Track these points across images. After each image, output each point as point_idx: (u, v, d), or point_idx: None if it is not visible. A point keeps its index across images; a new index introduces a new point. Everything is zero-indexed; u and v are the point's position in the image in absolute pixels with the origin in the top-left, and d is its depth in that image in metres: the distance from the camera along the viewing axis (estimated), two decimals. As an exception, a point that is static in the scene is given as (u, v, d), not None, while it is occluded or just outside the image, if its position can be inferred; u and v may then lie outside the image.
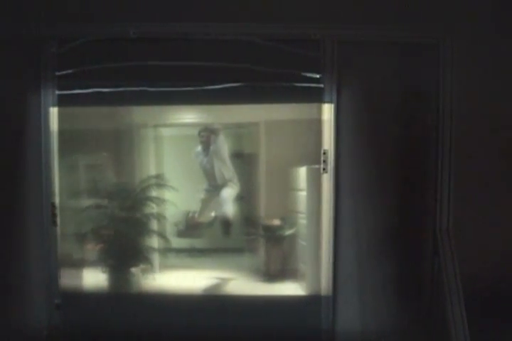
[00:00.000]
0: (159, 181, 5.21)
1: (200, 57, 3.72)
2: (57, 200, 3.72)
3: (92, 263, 4.88)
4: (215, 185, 5.72)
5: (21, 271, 3.55)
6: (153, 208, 5.15)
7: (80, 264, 4.73)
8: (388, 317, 3.68)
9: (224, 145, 5.66)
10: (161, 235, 5.30)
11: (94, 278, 4.78)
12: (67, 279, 4.06)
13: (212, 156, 5.63)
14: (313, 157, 4.01)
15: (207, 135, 5.62)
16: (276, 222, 5.74)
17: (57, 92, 3.71)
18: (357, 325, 3.70)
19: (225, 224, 5.71)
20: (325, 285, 3.86)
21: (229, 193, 5.69)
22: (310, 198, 4.84)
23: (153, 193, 5.16)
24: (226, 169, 5.68)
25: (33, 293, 3.60)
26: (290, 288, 5.14)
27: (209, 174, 5.72)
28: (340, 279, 3.76)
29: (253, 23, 3.63)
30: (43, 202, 3.65)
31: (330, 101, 3.75)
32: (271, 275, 5.51)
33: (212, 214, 5.94)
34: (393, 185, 3.73)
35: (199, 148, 5.74)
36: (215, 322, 3.82)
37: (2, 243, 3.50)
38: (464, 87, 3.62)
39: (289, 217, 5.69)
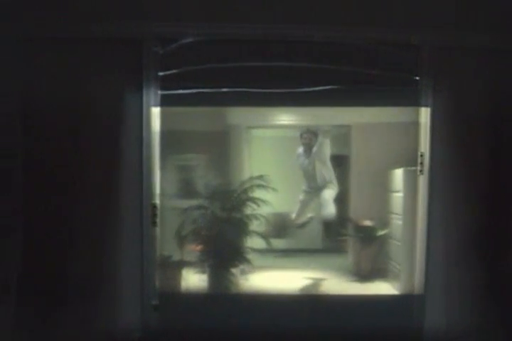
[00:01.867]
0: (260, 182, 5.25)
1: (301, 58, 3.70)
2: (157, 201, 3.70)
3: (191, 264, 4.93)
4: (315, 186, 5.72)
5: (119, 271, 3.57)
6: (253, 209, 5.19)
7: (178, 265, 4.77)
8: (476, 317, 3.61)
9: (327, 147, 5.67)
10: (261, 236, 5.32)
11: (192, 279, 4.84)
12: (165, 280, 4.08)
13: (314, 158, 5.65)
14: (410, 159, 4.00)
15: (309, 137, 5.67)
16: (371, 223, 5.77)
17: (159, 92, 3.70)
18: (445, 324, 3.66)
19: (328, 225, 5.81)
20: (417, 284, 3.85)
21: (330, 194, 5.69)
22: (406, 199, 4.89)
23: (254, 194, 5.22)
24: (327, 170, 5.68)
25: (130, 294, 3.61)
26: (382, 288, 5.21)
27: (309, 175, 5.74)
28: (431, 278, 3.73)
29: (353, 26, 3.61)
30: (143, 203, 3.65)
31: (426, 105, 3.76)
32: (363, 275, 5.53)
33: (309, 215, 5.96)
34: (485, 186, 3.66)
35: (300, 149, 5.78)
36: (309, 322, 3.80)
37: (100, 243, 3.53)
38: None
39: (382, 218, 5.70)
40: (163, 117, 3.79)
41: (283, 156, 6.09)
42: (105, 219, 3.53)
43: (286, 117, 6.05)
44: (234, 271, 5.02)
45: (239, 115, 5.76)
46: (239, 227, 5.13)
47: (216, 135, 5.67)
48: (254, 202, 5.17)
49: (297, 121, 5.94)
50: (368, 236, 5.72)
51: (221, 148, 5.72)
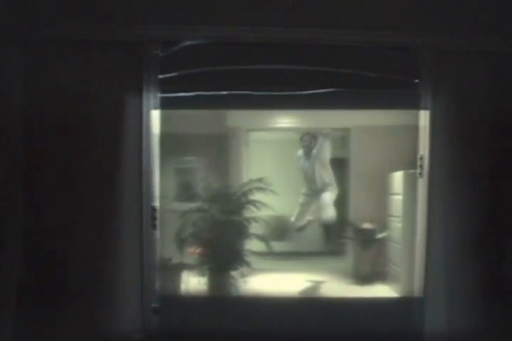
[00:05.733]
0: (260, 185, 5.23)
1: (301, 61, 3.68)
2: (157, 204, 3.70)
3: (191, 267, 4.93)
4: (315, 189, 5.76)
5: (119, 273, 3.57)
6: (253, 212, 5.18)
7: (178, 268, 4.79)
8: (476, 319, 3.58)
9: (327, 150, 5.70)
10: (261, 238, 5.30)
11: (192, 282, 4.85)
12: (165, 283, 4.08)
13: (313, 160, 5.67)
14: (410, 162, 4.03)
15: (309, 139, 5.72)
16: (370, 225, 5.83)
17: (159, 95, 3.70)
18: (446, 326, 3.64)
19: (328, 228, 5.82)
20: (417, 286, 3.84)
21: (330, 197, 5.73)
22: (406, 202, 4.93)
23: (254, 197, 5.21)
24: (326, 173, 5.72)
25: (130, 297, 3.61)
26: (382, 290, 5.23)
27: (309, 178, 5.78)
28: (431, 281, 3.72)
29: (355, 29, 3.59)
30: (143, 206, 3.64)
31: (426, 108, 3.75)
32: (362, 278, 5.58)
33: (309, 218, 6.00)
34: (485, 190, 3.63)
35: (300, 152, 5.82)
36: (308, 325, 3.77)
37: (100, 245, 3.52)
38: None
39: (382, 221, 5.74)
40: (164, 120, 3.78)
41: (283, 159, 6.17)
42: (105, 221, 3.52)
43: (286, 120, 6.08)
44: (234, 273, 5.02)
45: (239, 118, 5.79)
46: (238, 230, 5.13)
47: (216, 138, 5.69)
48: (254, 205, 5.16)
49: (297, 124, 5.99)
50: (367, 239, 5.76)
51: (221, 150, 5.75)
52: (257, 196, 5.22)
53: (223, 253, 5.03)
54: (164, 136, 3.78)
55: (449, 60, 3.64)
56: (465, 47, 3.61)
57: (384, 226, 5.71)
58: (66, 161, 3.50)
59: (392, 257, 5.45)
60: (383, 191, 5.70)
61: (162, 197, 3.81)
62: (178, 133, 4.85)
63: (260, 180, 5.29)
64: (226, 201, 5.12)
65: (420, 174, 3.81)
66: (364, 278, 5.56)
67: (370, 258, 5.73)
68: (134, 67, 3.59)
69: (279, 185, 5.45)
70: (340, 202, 6.09)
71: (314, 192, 5.77)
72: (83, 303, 3.48)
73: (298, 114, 5.74)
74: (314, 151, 5.67)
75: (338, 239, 6.29)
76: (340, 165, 6.29)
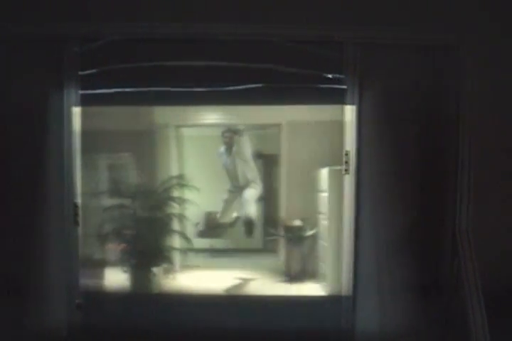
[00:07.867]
0: (181, 181, 5.23)
1: (224, 57, 3.68)
2: (79, 200, 3.70)
3: (114, 263, 4.91)
4: (238, 185, 5.76)
5: (42, 270, 3.54)
6: (175, 208, 5.16)
7: (101, 264, 4.75)
8: (407, 317, 3.60)
9: (247, 146, 5.71)
10: (183, 235, 5.30)
11: (115, 278, 4.81)
12: (88, 279, 4.07)
13: (235, 157, 5.68)
14: (335, 158, 3.98)
15: (230, 136, 5.70)
16: (298, 223, 5.76)
17: (80, 92, 3.70)
18: (376, 325, 3.64)
19: (248, 224, 5.77)
20: (345, 285, 3.81)
21: (252, 194, 5.74)
22: (332, 199, 4.86)
23: (176, 193, 5.19)
24: (249, 170, 5.73)
25: (54, 293, 3.58)
26: (310, 289, 5.18)
27: (232, 174, 5.77)
28: (360, 279, 3.71)
29: (277, 24, 3.60)
30: (65, 202, 3.62)
31: (352, 103, 3.71)
32: (291, 276, 5.53)
33: (234, 214, 6.01)
34: (413, 185, 3.67)
35: (222, 148, 5.81)
36: (236, 323, 3.78)
37: (24, 242, 3.49)
38: (485, 88, 3.55)
39: (310, 218, 5.68)
40: (87, 116, 3.77)
41: (210, 155, 6.08)
42: (29, 218, 3.50)
43: (215, 116, 5.97)
44: (155, 270, 4.98)
45: (168, 114, 5.73)
46: (160, 227, 5.11)
47: (144, 134, 5.56)
48: (175, 202, 5.14)
49: (225, 120, 5.88)
50: (297, 237, 5.71)
51: (146, 147, 5.61)
52: (179, 192, 5.21)
53: (145, 250, 4.98)
54: (90, 133, 3.77)
55: (375, 54, 3.62)
56: (391, 41, 3.61)
57: (314, 223, 5.62)
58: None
59: (320, 255, 5.37)
60: (313, 188, 5.63)
61: (86, 193, 3.81)
62: (106, 129, 4.78)
63: (181, 176, 5.31)
64: (147, 197, 5.08)
65: (346, 170, 3.76)
66: (294, 276, 5.53)
67: (299, 256, 5.68)
68: (54, 64, 3.58)
69: (205, 181, 5.46)
70: (269, 199, 6.11)
71: (237, 188, 5.77)
72: (8, 301, 3.44)
73: (231, 110, 5.60)
74: (234, 148, 5.67)
75: (264, 236, 6.28)
76: (271, 161, 6.30)
